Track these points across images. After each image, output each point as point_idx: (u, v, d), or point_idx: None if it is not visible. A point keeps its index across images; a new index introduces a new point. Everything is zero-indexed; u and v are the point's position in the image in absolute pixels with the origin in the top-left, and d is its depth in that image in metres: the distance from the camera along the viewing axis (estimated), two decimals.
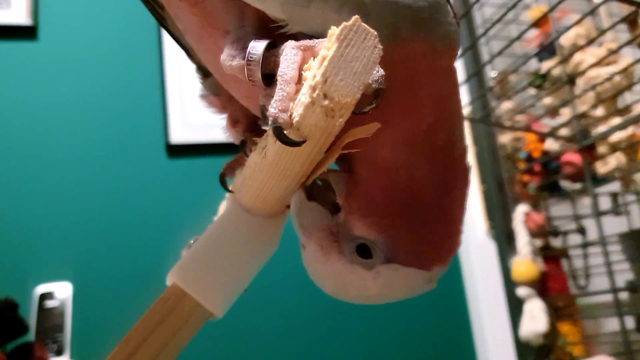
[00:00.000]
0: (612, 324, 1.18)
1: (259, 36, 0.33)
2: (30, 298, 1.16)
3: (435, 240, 0.38)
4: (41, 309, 1.16)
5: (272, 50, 0.32)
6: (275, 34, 0.34)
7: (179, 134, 1.42)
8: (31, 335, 1.11)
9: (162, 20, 0.45)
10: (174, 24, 0.43)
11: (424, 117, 0.36)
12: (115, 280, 1.27)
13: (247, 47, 0.32)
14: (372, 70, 0.29)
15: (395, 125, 0.35)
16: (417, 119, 0.36)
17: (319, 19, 0.33)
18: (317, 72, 0.28)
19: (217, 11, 0.36)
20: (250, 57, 0.32)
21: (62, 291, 1.19)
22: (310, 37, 0.33)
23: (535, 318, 1.12)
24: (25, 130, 1.32)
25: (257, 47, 0.32)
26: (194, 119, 1.43)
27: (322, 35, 0.31)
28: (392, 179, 0.37)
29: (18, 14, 1.37)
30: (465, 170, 0.40)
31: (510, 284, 1.20)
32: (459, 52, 0.39)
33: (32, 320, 1.13)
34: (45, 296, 1.17)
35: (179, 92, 1.43)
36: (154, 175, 1.39)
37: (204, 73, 0.47)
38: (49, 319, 1.15)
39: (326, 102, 0.28)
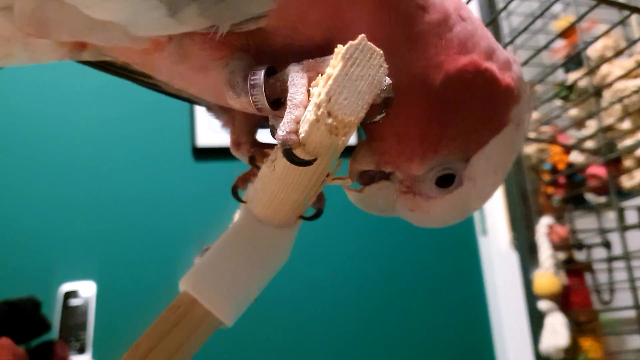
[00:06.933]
0: (635, 341, 1.15)
1: (254, 64, 0.33)
2: (55, 296, 1.18)
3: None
4: (65, 306, 1.18)
5: (275, 76, 0.32)
6: (272, 59, 0.34)
7: (205, 137, 1.44)
8: (55, 333, 1.13)
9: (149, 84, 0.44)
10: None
11: None
12: (138, 280, 1.29)
13: (246, 79, 0.32)
14: (377, 89, 0.29)
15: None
16: None
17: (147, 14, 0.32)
18: (322, 91, 0.28)
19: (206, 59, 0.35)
20: (253, 87, 0.32)
21: (86, 290, 1.21)
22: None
23: (557, 332, 1.10)
24: (53, 131, 1.35)
25: (257, 75, 0.32)
26: None
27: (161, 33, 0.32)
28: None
29: None
30: None
31: (531, 297, 1.18)
32: None
33: (56, 318, 1.15)
34: (69, 294, 1.20)
35: None
36: (180, 178, 1.41)
37: (207, 105, 0.46)
38: (73, 317, 1.17)
39: (330, 120, 0.28)
